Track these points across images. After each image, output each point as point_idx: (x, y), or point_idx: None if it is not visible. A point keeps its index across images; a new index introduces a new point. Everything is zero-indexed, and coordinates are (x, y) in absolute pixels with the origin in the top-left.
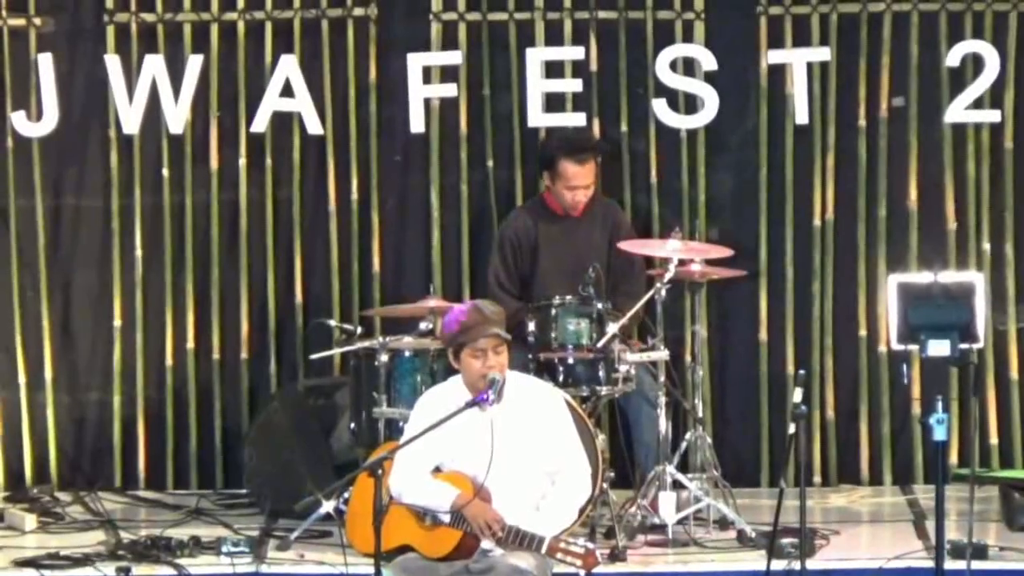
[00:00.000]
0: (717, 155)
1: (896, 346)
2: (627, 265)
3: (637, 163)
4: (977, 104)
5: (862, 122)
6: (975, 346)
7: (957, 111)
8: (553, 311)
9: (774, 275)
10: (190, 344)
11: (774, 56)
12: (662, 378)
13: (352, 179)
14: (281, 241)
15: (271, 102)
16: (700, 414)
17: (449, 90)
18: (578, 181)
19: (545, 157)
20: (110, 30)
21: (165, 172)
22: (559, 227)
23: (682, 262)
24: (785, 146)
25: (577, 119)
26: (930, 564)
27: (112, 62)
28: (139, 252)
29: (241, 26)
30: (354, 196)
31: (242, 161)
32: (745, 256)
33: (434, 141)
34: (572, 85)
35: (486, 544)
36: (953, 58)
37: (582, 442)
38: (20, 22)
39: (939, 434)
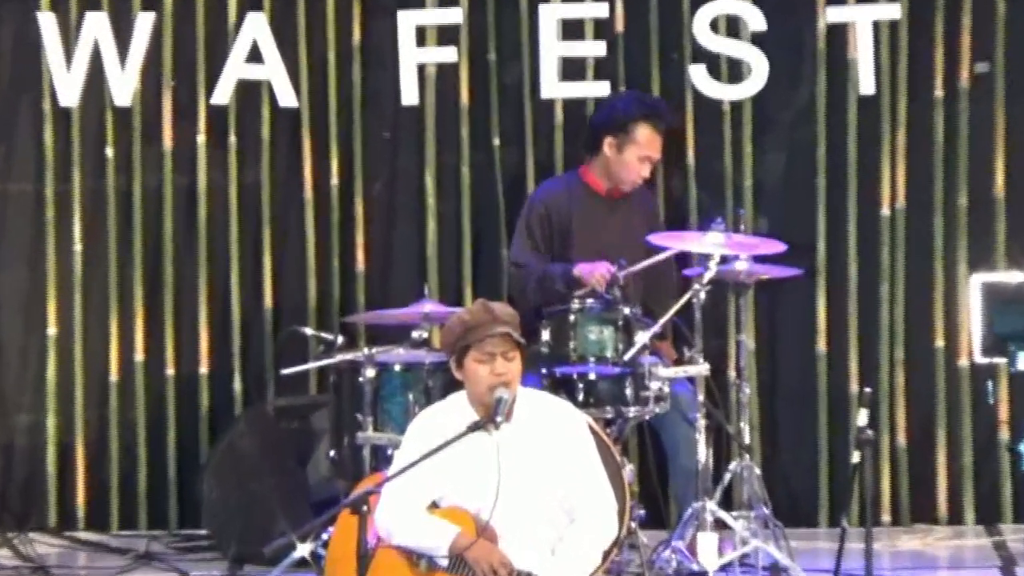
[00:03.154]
0: (766, 132)
1: (980, 359)
2: (664, 261)
3: (671, 141)
4: None
5: (939, 92)
6: None
7: None
8: (571, 317)
9: (834, 275)
10: (139, 356)
11: (834, 14)
12: (701, 397)
13: (332, 160)
14: (247, 234)
15: (235, 69)
16: (747, 440)
17: (447, 55)
18: (652, 150)
19: (614, 118)
20: None
21: (109, 152)
22: (598, 208)
23: (725, 259)
24: (847, 121)
25: (600, 89)
26: None
27: (46, 20)
28: (78, 247)
29: None
30: (334, 181)
31: (201, 139)
32: (800, 252)
33: (429, 115)
34: (594, 48)
35: None
36: None
37: (606, 473)
38: None
39: None
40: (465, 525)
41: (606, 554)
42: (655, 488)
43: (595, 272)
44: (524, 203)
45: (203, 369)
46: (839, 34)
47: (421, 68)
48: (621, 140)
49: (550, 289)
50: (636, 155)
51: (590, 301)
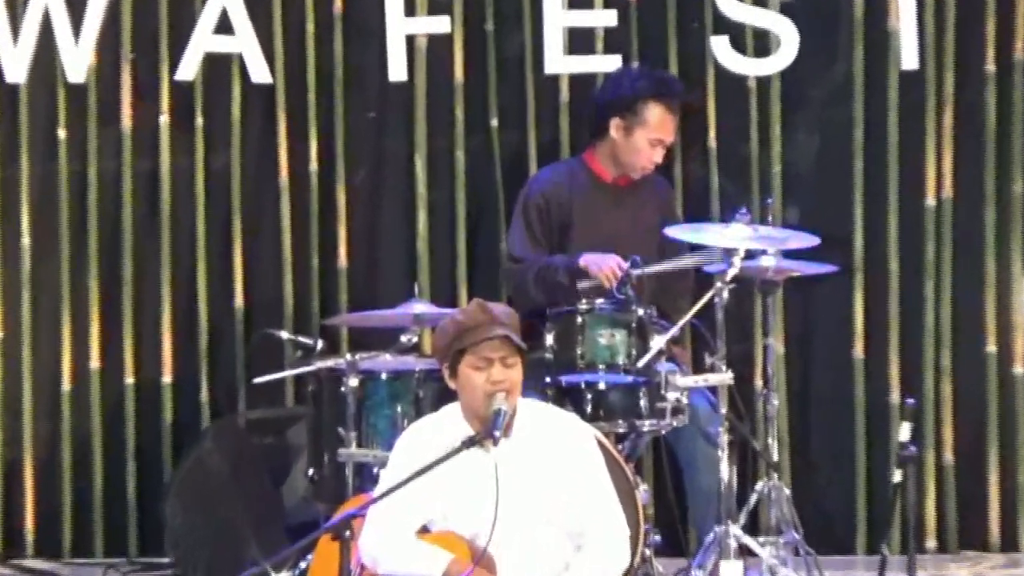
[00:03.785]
0: (797, 111)
1: None
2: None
3: (691, 122)
4: None
5: (990, 67)
6: None
7: None
8: (578, 319)
9: (873, 272)
10: (94, 363)
11: None
12: (724, 409)
13: (310, 144)
14: (216, 225)
15: (202, 41)
16: (775, 457)
17: (440, 25)
18: (665, 132)
19: (622, 97)
20: None
21: (61, 133)
22: (603, 198)
23: (751, 254)
24: (888, 100)
25: (610, 63)
26: None
27: None
28: (26, 240)
29: None
30: (313, 166)
31: (164, 119)
32: (835, 246)
33: (420, 93)
34: (604, 18)
35: None
36: None
37: (618, 494)
38: None
39: None
40: (459, 552)
41: None
42: (672, 511)
43: (603, 266)
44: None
45: (166, 378)
46: (879, 2)
47: (410, 40)
48: (630, 121)
49: (552, 282)
50: (647, 138)
51: (600, 301)
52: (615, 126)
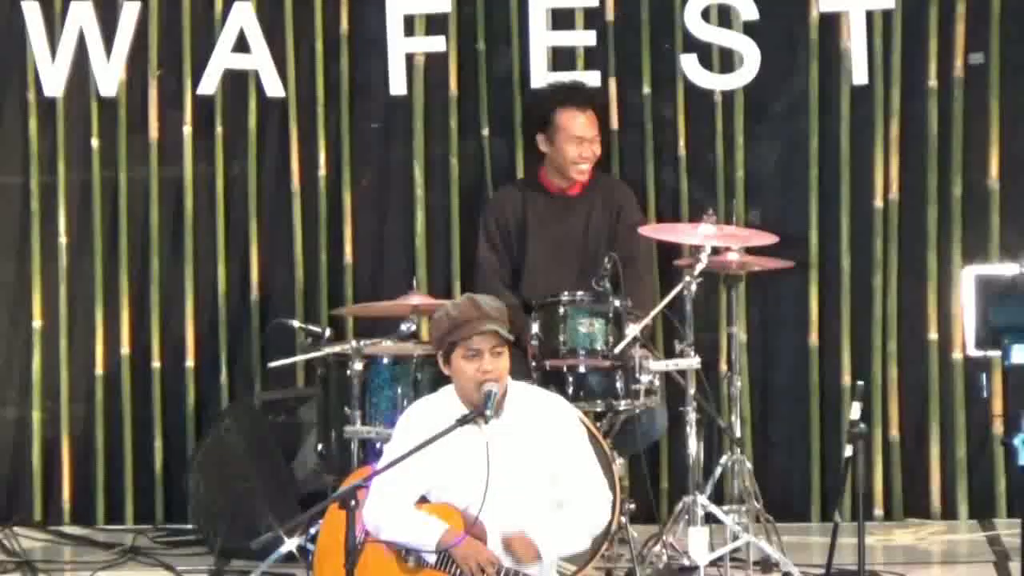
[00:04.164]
0: (759, 122)
1: (974, 352)
2: (629, 257)
3: (663, 132)
4: None
5: (933, 82)
6: None
7: None
8: (561, 310)
9: (827, 266)
10: (125, 349)
11: (827, 3)
12: (692, 391)
13: (320, 151)
14: (234, 226)
15: (222, 58)
16: (738, 434)
17: (436, 44)
18: (583, 131)
19: (537, 111)
20: None
21: (95, 143)
22: (552, 207)
23: (716, 251)
24: (840, 112)
25: (590, 78)
26: None
27: (30, 9)
28: (63, 239)
29: None
30: (321, 172)
31: (187, 129)
32: (792, 244)
33: (418, 105)
34: (584, 38)
35: None
36: None
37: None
38: None
39: None
40: (454, 521)
41: (597, 543)
42: (645, 483)
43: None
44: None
45: (189, 362)
46: (832, 23)
47: (409, 58)
48: (549, 132)
49: None
50: (567, 140)
51: (580, 294)
52: (541, 141)
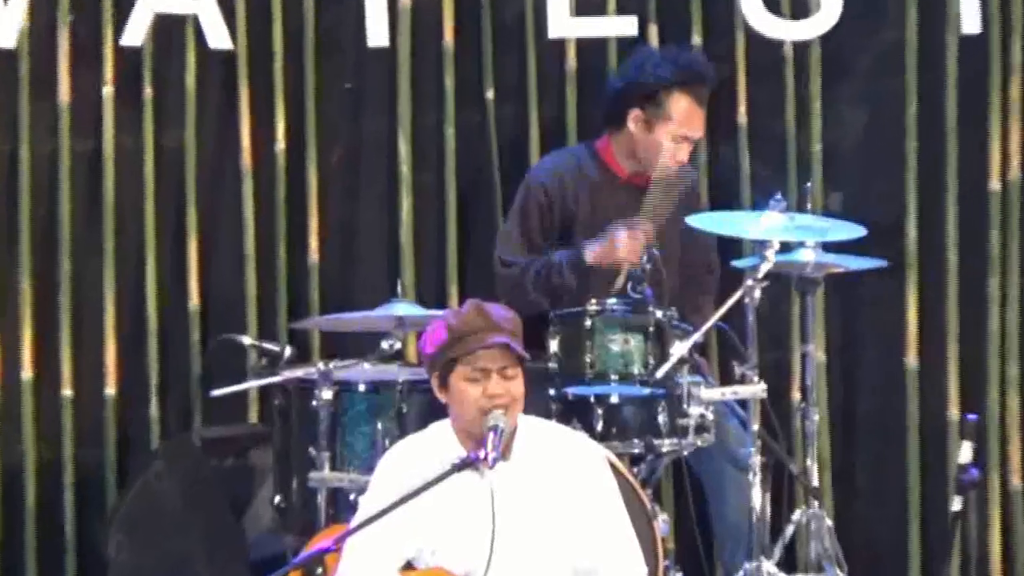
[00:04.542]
0: (841, 82)
1: None
2: (704, 253)
3: (717, 94)
4: None
5: None
6: None
7: None
8: (587, 322)
9: (929, 267)
10: (26, 373)
11: None
12: (755, 427)
13: (277, 119)
14: (167, 214)
15: (152, 0)
16: (815, 481)
17: None
18: (693, 128)
19: (643, 85)
20: None
21: None
22: (616, 197)
23: (786, 247)
24: (946, 68)
25: (624, 26)
26: None
27: None
28: None
29: None
30: (280, 146)
31: (107, 90)
32: (884, 237)
33: (404, 61)
34: None
35: None
36: None
37: (633, 525)
38: None
39: None
40: None
41: None
42: (695, 545)
43: (618, 246)
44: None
45: (109, 390)
46: None
47: (393, 1)
48: (651, 114)
49: (556, 285)
50: (670, 134)
51: (611, 301)
52: (634, 118)
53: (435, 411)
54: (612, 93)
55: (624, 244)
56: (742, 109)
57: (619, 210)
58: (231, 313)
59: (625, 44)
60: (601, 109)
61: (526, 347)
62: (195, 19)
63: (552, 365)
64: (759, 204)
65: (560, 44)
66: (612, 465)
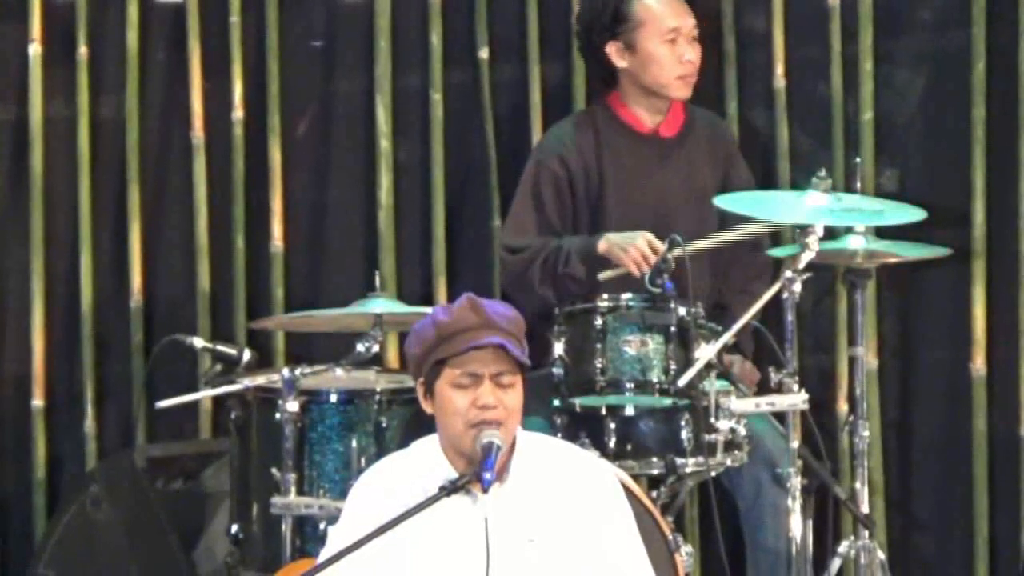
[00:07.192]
0: (895, 40)
1: None
2: (747, 242)
3: (750, 52)
4: None
5: None
6: None
7: None
8: (598, 321)
9: (1000, 256)
10: None
11: None
12: (795, 443)
13: (234, 83)
14: (105, 194)
15: None
16: (866, 507)
17: None
18: (679, 19)
19: (602, 12)
20: None
21: None
22: (644, 154)
23: (832, 232)
24: (1018, 22)
25: None
26: None
27: None
28: None
29: None
30: (237, 114)
31: (34, 49)
32: (947, 222)
33: (382, 14)
34: None
35: None
36: None
37: (650, 557)
38: None
39: None
40: None
41: None
42: None
43: (629, 250)
44: (530, 155)
45: (37, 401)
46: None
47: None
48: (625, 35)
49: (563, 274)
50: (657, 36)
51: (626, 296)
52: (615, 52)
53: (420, 426)
54: (583, 43)
55: (635, 253)
56: (779, 71)
57: (648, 168)
58: (180, 311)
59: None
60: (590, 72)
61: (531, 355)
62: None
63: (557, 371)
64: (800, 183)
65: None
66: (626, 488)
